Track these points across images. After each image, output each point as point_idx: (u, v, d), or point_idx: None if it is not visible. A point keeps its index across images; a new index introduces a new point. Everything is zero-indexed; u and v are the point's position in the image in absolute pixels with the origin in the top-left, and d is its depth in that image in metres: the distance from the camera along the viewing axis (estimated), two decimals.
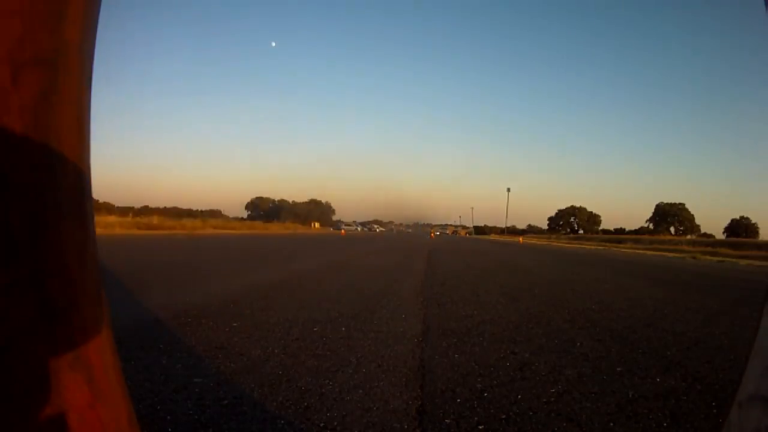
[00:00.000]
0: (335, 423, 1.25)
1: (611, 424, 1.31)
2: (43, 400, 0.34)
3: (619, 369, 1.85)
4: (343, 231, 49.72)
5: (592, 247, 25.75)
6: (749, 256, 16.31)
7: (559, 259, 10.67)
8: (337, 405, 1.37)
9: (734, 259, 14.90)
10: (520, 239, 37.19)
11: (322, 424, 1.24)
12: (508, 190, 67.35)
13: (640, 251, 20.57)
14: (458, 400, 1.45)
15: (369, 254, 9.06)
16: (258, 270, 5.33)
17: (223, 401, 1.36)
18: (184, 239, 13.70)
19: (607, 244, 31.28)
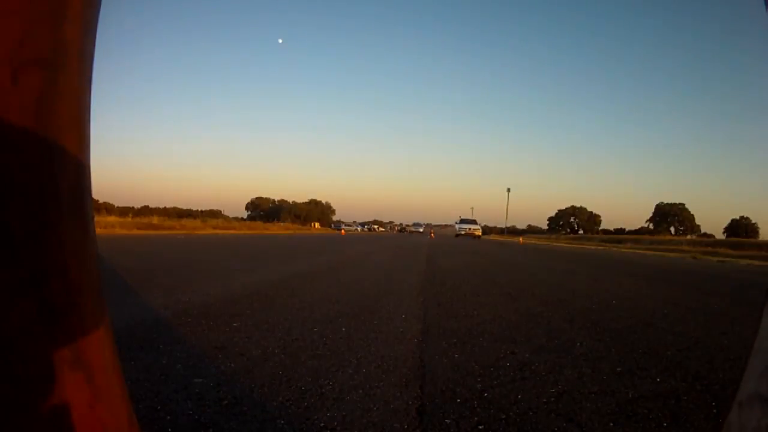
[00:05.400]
0: (335, 423, 1.25)
1: (611, 424, 1.31)
2: (43, 400, 0.33)
3: (618, 369, 1.85)
4: (342, 231, 49.63)
5: (593, 247, 25.74)
6: (749, 256, 16.31)
7: (559, 259, 10.67)
8: (337, 405, 1.37)
9: (734, 259, 14.90)
10: (520, 239, 37.12)
11: (322, 424, 1.24)
12: (508, 190, 66.79)
13: (641, 251, 20.55)
14: (458, 400, 1.45)
15: (369, 254, 9.06)
16: (258, 270, 5.33)
17: (223, 401, 1.36)
18: (184, 239, 13.69)
19: (608, 244, 31.23)
